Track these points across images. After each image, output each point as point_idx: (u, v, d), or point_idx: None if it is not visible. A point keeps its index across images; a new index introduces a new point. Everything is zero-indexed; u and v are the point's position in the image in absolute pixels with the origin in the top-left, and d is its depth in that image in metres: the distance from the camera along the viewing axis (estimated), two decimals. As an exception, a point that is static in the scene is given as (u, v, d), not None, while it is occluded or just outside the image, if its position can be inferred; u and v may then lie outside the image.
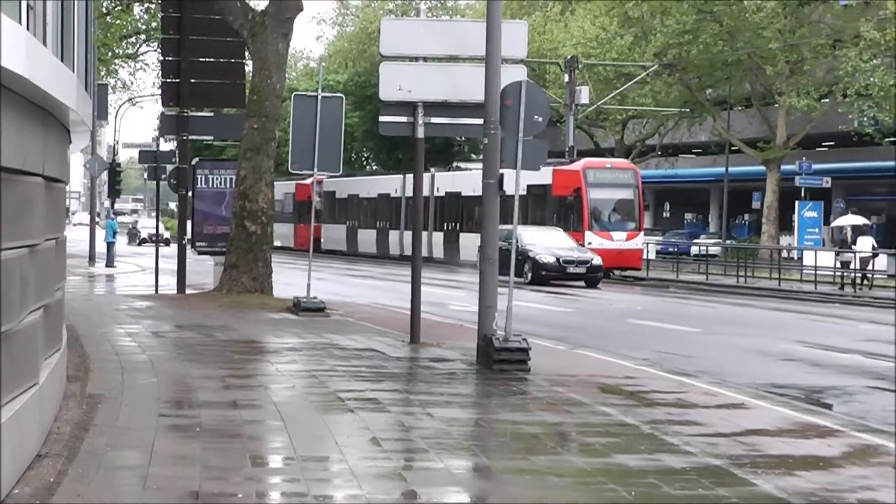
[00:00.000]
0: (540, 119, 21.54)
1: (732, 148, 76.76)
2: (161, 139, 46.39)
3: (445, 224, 76.45)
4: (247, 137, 35.55)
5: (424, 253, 65.67)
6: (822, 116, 73.90)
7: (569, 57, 75.32)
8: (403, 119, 24.52)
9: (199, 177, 40.57)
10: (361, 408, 16.85)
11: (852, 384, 22.70)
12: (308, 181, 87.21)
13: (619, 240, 61.39)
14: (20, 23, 10.23)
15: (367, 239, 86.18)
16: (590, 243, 59.32)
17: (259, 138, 35.29)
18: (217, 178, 40.77)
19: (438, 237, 76.69)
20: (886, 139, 70.04)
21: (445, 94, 24.22)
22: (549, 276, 53.38)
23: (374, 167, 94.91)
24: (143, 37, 67.00)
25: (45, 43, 11.64)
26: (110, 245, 61.13)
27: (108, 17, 56.69)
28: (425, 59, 24.59)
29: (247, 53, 35.93)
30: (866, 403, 20.26)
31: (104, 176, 66.62)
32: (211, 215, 40.04)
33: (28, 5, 11.11)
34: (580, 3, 53.39)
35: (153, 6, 50.97)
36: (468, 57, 23.88)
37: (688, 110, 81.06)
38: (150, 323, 28.58)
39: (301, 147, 30.13)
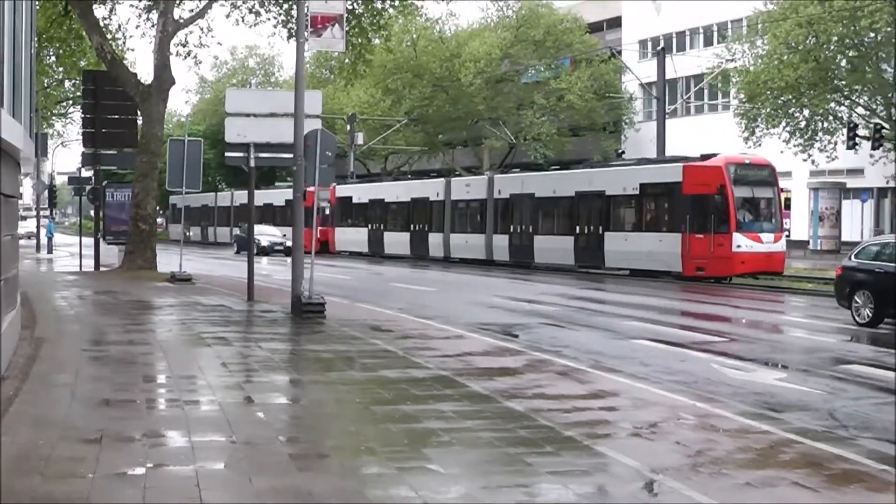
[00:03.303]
0: (330, 154, 21.77)
1: (456, 173, 77.24)
2: (82, 169, 45.34)
3: (511, 227, 50.94)
4: (139, 167, 35.41)
5: (484, 255, 52.16)
6: (512, 152, 74.93)
7: (350, 114, 75.34)
8: (242, 154, 24.38)
9: (108, 193, 40.15)
10: (215, 343, 16.75)
11: (531, 322, 22.96)
12: (311, 188, 74.02)
13: (767, 242, 39.02)
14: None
15: (397, 241, 60.37)
16: (738, 246, 38.18)
17: (147, 167, 35.11)
18: (120, 195, 40.37)
19: (501, 240, 51.51)
20: (552, 167, 71.26)
21: (269, 138, 24.14)
22: None
23: (224, 186, 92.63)
24: (71, 101, 65.93)
25: (2, 105, 11.39)
26: (49, 239, 61.16)
27: (47, 90, 55.72)
28: (255, 115, 24.42)
29: (139, 112, 35.43)
30: (539, 334, 20.50)
31: (45, 193, 65.39)
32: (116, 219, 39.65)
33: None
34: (357, 80, 53.08)
35: (77, 81, 49.96)
36: (283, 113, 23.69)
37: (427, 149, 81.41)
38: (76, 290, 28.02)
39: (174, 173, 29.92)
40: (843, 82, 56.43)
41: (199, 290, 28.36)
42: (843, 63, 56.29)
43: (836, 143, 54.89)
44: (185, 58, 38.87)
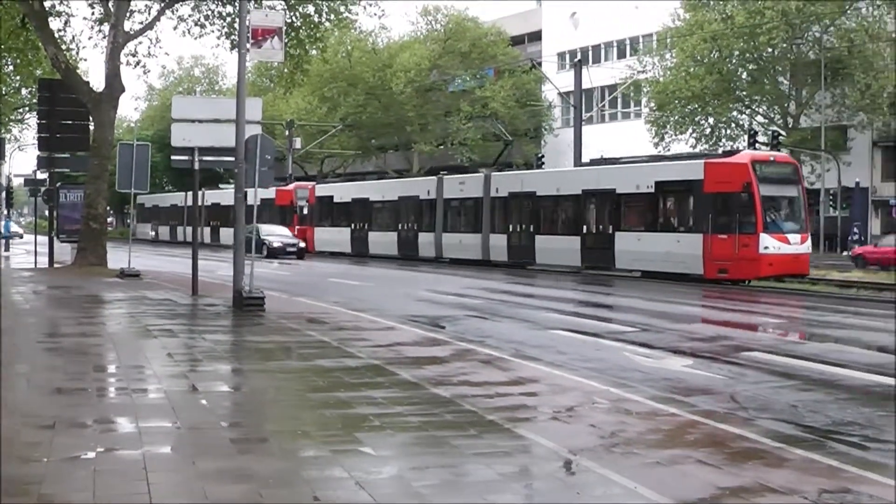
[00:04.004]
0: (269, 157, 21.63)
1: (387, 175, 77.12)
2: (38, 171, 44.75)
3: (510, 226, 45.43)
4: (91, 170, 35.04)
5: (480, 255, 46.57)
6: (440, 156, 75.08)
7: (288, 120, 75.07)
8: (187, 157, 24.16)
9: (61, 194, 39.70)
10: (162, 335, 16.61)
11: (456, 314, 22.97)
12: (290, 187, 63.75)
13: (794, 243, 34.67)
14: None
15: (383, 241, 54.30)
16: (766, 248, 33.83)
17: (98, 170, 34.74)
18: (73, 195, 39.93)
19: (499, 239, 46.04)
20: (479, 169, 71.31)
21: (212, 142, 23.93)
22: None
23: (170, 188, 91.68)
24: (27, 108, 65.34)
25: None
26: (6, 237, 60.55)
27: (5, 97, 55.14)
28: (200, 120, 24.25)
29: (91, 118, 35.09)
30: (465, 325, 20.51)
31: (3, 194, 64.62)
32: (69, 218, 39.22)
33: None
34: (295, 89, 52.75)
35: (34, 89, 49.43)
36: (226, 119, 23.51)
37: (360, 152, 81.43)
38: (31, 285, 27.65)
39: (124, 175, 29.65)
40: (745, 93, 57.40)
41: (147, 285, 28.11)
42: (744, 75, 57.29)
43: (738, 149, 55.45)
44: (135, 67, 38.60)
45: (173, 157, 24.87)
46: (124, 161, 29.81)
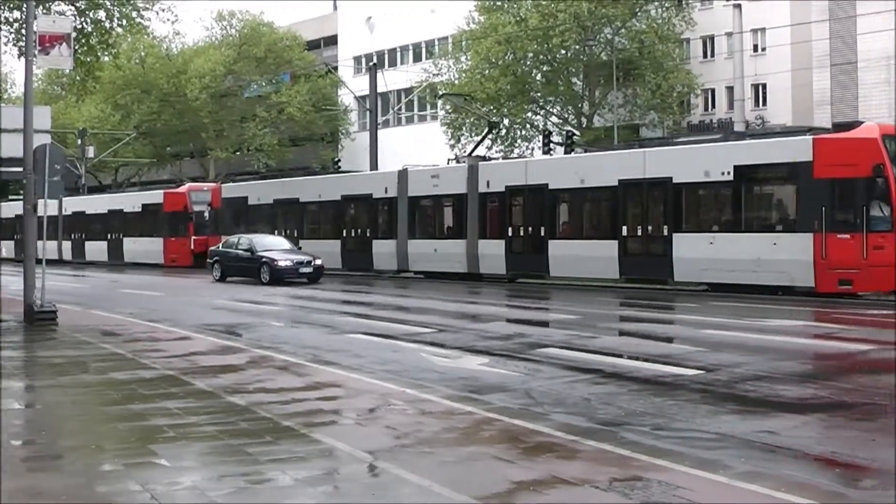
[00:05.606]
0: (59, 167, 21.18)
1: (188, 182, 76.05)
2: None
3: (510, 229, 36.06)
4: None
5: (465, 267, 37.71)
6: (236, 162, 74.53)
7: (81, 128, 73.24)
8: (-29, 169, 23.44)
9: None
10: (-52, 353, 16.14)
11: (254, 321, 22.88)
12: (182, 189, 55.00)
13: None
14: None
15: (321, 252, 40.16)
16: None
17: None
18: None
19: (493, 247, 36.71)
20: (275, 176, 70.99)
21: (-2, 153, 23.25)
22: None
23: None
24: None
25: None
26: None
27: None
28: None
29: None
30: (261, 332, 20.41)
31: None
32: None
33: None
34: (87, 96, 50.89)
35: None
36: (13, 129, 22.89)
37: (155, 161, 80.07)
38: None
39: None
40: (539, 94, 58.54)
41: (-69, 301, 27.16)
42: (539, 77, 58.41)
43: (533, 149, 56.61)
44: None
45: (-43, 169, 24.06)
46: None
